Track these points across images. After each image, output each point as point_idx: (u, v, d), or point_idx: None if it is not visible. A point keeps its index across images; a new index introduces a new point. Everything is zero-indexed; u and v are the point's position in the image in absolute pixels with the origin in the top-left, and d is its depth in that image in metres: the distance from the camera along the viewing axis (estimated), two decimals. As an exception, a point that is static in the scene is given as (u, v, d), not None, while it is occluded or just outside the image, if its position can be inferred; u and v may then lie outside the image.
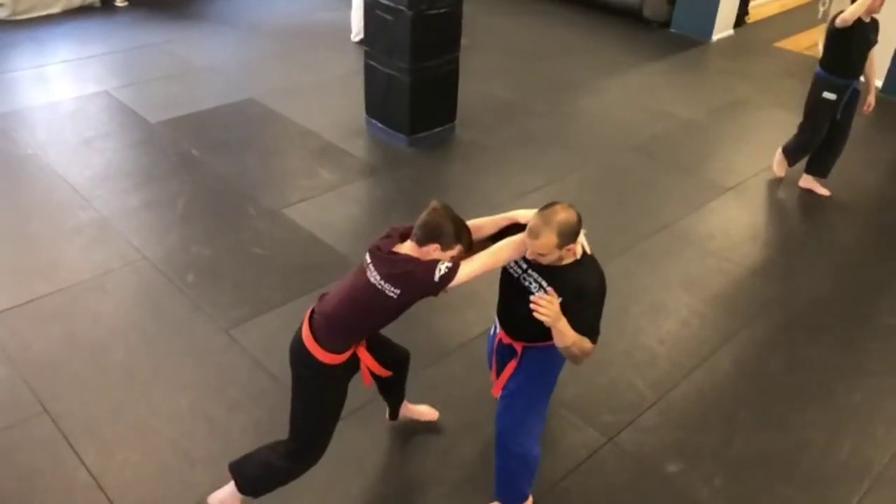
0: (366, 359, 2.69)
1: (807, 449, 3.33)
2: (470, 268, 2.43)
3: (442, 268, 2.39)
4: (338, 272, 4.21)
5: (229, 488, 2.83)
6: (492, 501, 2.93)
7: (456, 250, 2.48)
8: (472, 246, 2.54)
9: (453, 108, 5.81)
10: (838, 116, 4.93)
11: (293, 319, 3.85)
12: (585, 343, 2.41)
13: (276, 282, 4.16)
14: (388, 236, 2.55)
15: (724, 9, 8.16)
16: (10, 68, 6.56)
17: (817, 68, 4.94)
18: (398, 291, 2.42)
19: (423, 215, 2.47)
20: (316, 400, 2.68)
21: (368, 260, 2.51)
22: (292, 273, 4.24)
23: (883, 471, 3.24)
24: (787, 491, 3.13)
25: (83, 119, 5.79)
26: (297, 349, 2.61)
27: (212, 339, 3.74)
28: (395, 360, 2.95)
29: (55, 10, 7.75)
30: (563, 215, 2.33)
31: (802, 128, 5.13)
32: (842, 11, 4.64)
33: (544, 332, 2.42)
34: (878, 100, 4.99)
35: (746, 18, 8.74)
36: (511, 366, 2.72)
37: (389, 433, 3.31)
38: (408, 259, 2.44)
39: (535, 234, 2.34)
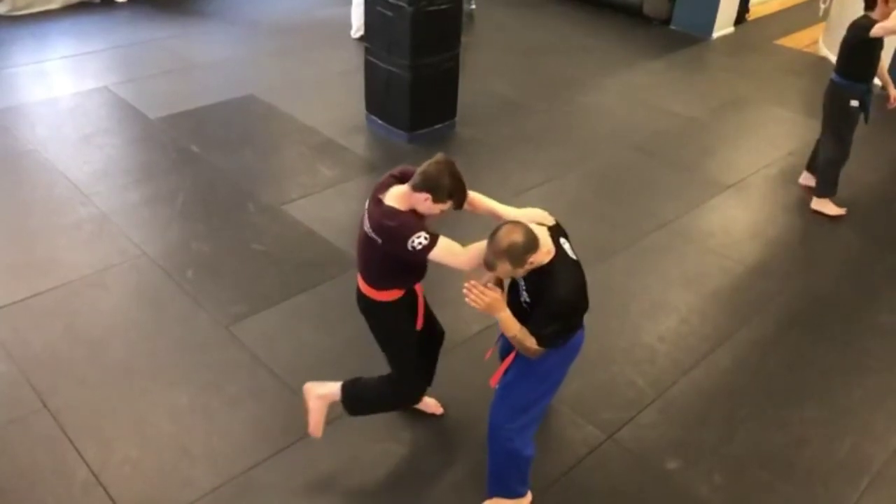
0: (420, 296, 2.87)
1: (806, 446, 3.34)
2: (445, 252, 2.50)
3: (419, 239, 2.47)
4: (337, 269, 4.22)
5: (333, 388, 2.95)
6: (487, 498, 2.94)
7: (446, 205, 2.56)
8: (462, 206, 2.62)
9: (453, 104, 5.80)
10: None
11: (293, 316, 3.90)
12: (527, 341, 2.47)
13: (276, 278, 4.16)
14: (389, 176, 2.67)
15: (725, 6, 8.14)
16: (10, 64, 6.55)
17: (836, 78, 4.75)
18: (381, 240, 2.56)
19: (426, 164, 2.55)
20: (389, 333, 2.87)
21: (366, 206, 2.64)
22: (292, 269, 4.24)
23: (882, 468, 3.24)
24: (786, 488, 3.14)
25: (83, 115, 5.78)
26: (359, 297, 2.84)
27: (211, 336, 3.74)
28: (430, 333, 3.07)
29: (55, 5, 7.73)
30: (507, 241, 2.34)
31: (834, 146, 4.88)
32: (869, 19, 4.47)
33: None
34: (879, 98, 4.97)
35: (747, 16, 8.72)
36: (510, 357, 2.73)
37: (389, 429, 3.31)
38: (391, 212, 2.54)
39: (491, 267, 2.41)
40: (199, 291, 4.03)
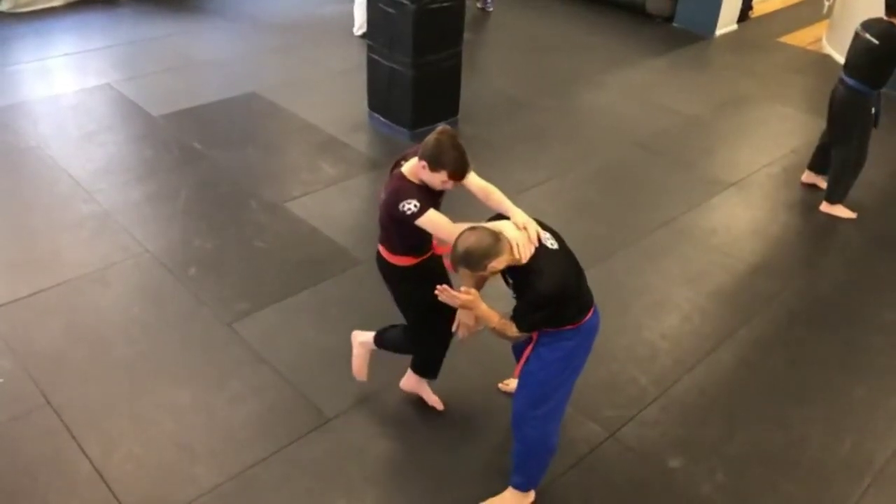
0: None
1: (808, 444, 3.34)
2: (430, 222, 2.63)
3: (409, 205, 2.62)
4: (339, 266, 4.23)
5: (369, 336, 3.23)
6: (507, 488, 2.96)
7: (442, 175, 2.64)
8: (463, 177, 2.69)
9: (456, 102, 5.80)
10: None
11: (295, 313, 3.91)
12: (508, 328, 2.56)
13: (278, 276, 4.16)
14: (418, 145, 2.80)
15: (728, 4, 8.12)
16: (12, 61, 6.55)
17: (857, 86, 4.62)
18: (384, 197, 2.75)
19: (430, 134, 2.66)
20: (403, 295, 3.01)
21: None
22: (294, 267, 4.24)
23: (884, 466, 3.24)
24: (788, 486, 3.14)
25: (85, 112, 5.79)
26: (378, 260, 2.98)
27: (213, 333, 3.75)
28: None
29: (57, 2, 7.73)
30: (462, 249, 2.42)
31: (855, 154, 4.81)
32: (895, 27, 4.42)
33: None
34: (884, 97, 4.93)
35: (750, 13, 8.70)
36: (529, 349, 2.75)
37: (391, 426, 3.32)
38: (397, 177, 2.74)
39: (455, 269, 2.52)
40: (201, 289, 4.03)
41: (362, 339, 3.27)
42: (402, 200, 2.64)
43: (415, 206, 2.62)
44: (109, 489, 2.95)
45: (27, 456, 3.07)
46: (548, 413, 2.74)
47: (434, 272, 2.95)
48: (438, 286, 2.54)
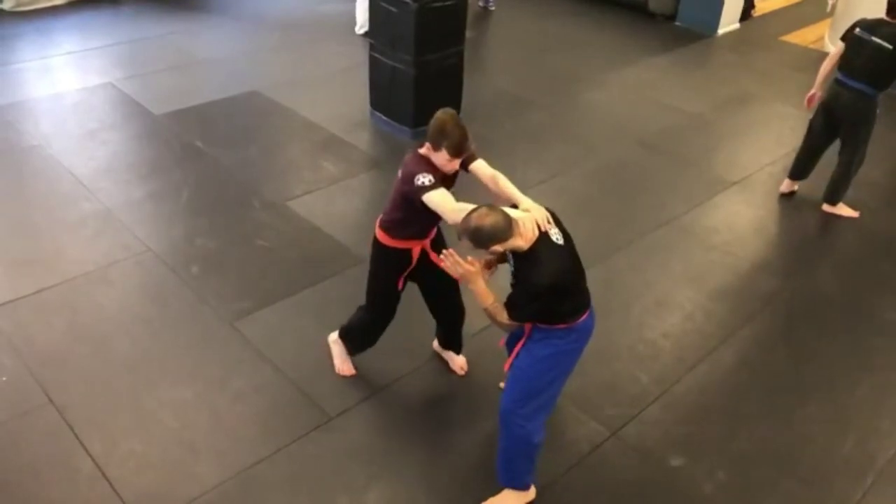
0: (416, 251, 3.07)
1: (810, 443, 3.34)
2: (439, 199, 2.69)
3: (425, 179, 2.71)
4: (341, 265, 4.23)
5: (337, 334, 3.47)
6: (497, 489, 2.95)
7: (442, 153, 2.74)
8: (460, 153, 2.77)
9: (458, 101, 5.79)
10: None
11: (297, 312, 3.91)
12: (499, 313, 2.58)
13: (280, 274, 4.16)
14: None
15: (730, 2, 8.12)
16: (15, 59, 6.56)
17: (868, 90, 4.57)
18: (399, 175, 2.85)
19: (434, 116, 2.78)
20: (374, 270, 3.18)
21: None
22: (296, 266, 4.24)
23: (886, 466, 3.24)
24: (790, 485, 3.13)
25: (87, 110, 5.79)
26: (373, 241, 3.12)
27: (216, 331, 3.75)
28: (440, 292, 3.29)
29: (59, 1, 7.73)
30: (474, 224, 2.44)
31: (860, 155, 4.81)
32: None
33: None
34: (885, 96, 4.93)
35: (752, 12, 8.70)
36: (520, 344, 2.75)
37: (394, 425, 3.32)
38: (415, 156, 2.84)
39: (459, 236, 2.52)
40: (204, 287, 4.04)
41: (333, 337, 3.51)
42: (419, 173, 2.72)
43: (430, 180, 2.71)
44: (111, 487, 2.95)
45: (29, 454, 3.08)
46: (534, 411, 2.74)
47: (406, 264, 3.09)
48: (445, 250, 2.59)
